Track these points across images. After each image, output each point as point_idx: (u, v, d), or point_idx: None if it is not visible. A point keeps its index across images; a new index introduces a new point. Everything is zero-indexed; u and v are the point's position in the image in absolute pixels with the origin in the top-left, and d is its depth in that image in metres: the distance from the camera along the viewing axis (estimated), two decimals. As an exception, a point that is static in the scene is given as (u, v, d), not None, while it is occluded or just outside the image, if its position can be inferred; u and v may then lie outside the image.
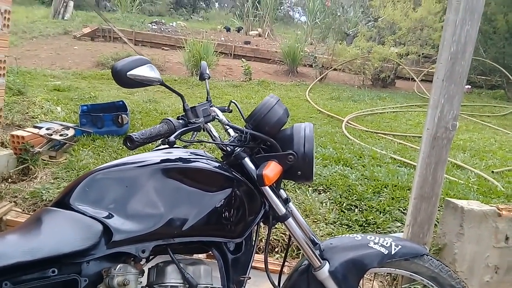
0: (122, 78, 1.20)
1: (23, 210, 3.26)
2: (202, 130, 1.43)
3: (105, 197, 1.26)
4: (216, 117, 1.52)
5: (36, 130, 4.06)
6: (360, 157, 4.67)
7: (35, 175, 3.72)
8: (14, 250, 1.08)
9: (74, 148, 4.17)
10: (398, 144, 5.38)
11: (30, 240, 1.13)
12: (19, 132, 3.96)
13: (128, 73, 1.20)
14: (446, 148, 2.57)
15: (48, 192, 3.42)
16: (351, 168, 4.29)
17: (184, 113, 1.41)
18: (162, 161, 1.36)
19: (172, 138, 1.27)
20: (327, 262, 1.57)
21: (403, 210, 3.42)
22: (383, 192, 3.74)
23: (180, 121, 1.39)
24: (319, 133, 5.54)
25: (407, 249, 1.62)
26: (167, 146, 1.54)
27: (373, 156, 4.72)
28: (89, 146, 4.26)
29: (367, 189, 3.76)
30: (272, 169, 1.43)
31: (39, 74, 8.13)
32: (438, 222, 3.06)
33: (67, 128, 4.27)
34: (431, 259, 1.65)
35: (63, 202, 1.25)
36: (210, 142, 1.53)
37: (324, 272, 1.55)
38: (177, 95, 1.37)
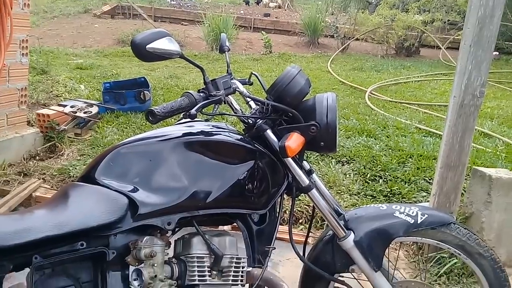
0: (141, 51, 1.19)
1: (52, 187, 3.35)
2: (223, 102, 1.42)
3: (129, 171, 1.27)
4: (237, 89, 1.50)
5: (60, 108, 4.13)
6: (384, 128, 4.60)
7: (61, 152, 3.80)
8: (42, 224, 1.10)
9: (98, 125, 4.23)
10: (423, 114, 5.27)
11: (58, 215, 1.16)
12: (45, 111, 4.04)
13: (147, 46, 1.19)
14: (474, 116, 2.50)
15: (75, 168, 3.49)
16: (375, 139, 4.24)
17: (204, 86, 1.40)
18: (184, 134, 1.36)
19: (193, 111, 1.26)
20: (352, 232, 1.56)
21: (429, 180, 3.37)
22: (408, 162, 3.69)
23: (201, 94, 1.38)
24: (341, 104, 5.47)
25: (434, 218, 1.60)
26: (189, 119, 1.54)
27: (398, 126, 4.65)
28: (113, 123, 4.31)
29: (391, 160, 3.71)
30: (294, 140, 1.41)
31: (62, 53, 8.22)
32: (465, 191, 3.01)
33: (91, 105, 4.32)
34: (458, 227, 1.62)
35: (88, 177, 1.27)
36: (231, 115, 1.52)
37: (349, 242, 1.54)
38: (197, 68, 1.36)
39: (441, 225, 1.60)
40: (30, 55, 4.15)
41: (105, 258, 1.19)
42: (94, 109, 4.26)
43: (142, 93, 4.56)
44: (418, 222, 1.57)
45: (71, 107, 4.19)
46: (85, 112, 4.14)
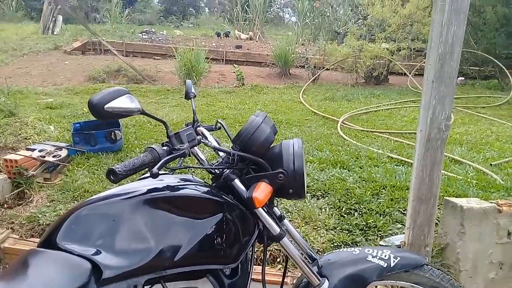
0: (100, 111, 1.17)
1: (21, 236, 3.22)
2: (187, 155, 1.40)
3: (92, 234, 1.23)
4: (202, 140, 1.48)
5: (29, 153, 4.03)
6: (357, 158, 4.64)
7: (30, 199, 3.68)
8: (1, 297, 1.05)
9: (68, 168, 4.14)
10: (394, 142, 5.35)
11: (18, 285, 1.10)
12: (12, 156, 3.93)
13: (105, 106, 1.17)
14: (441, 149, 2.54)
15: (45, 216, 3.39)
16: (349, 171, 4.27)
17: (168, 140, 1.39)
18: (149, 190, 1.33)
19: (155, 169, 1.24)
20: (326, 280, 1.54)
21: (403, 211, 3.39)
22: (381, 194, 3.71)
23: (165, 147, 1.36)
24: (314, 135, 5.52)
25: (406, 260, 1.60)
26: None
27: (370, 156, 4.70)
28: (84, 165, 4.22)
29: (365, 192, 3.73)
30: (262, 191, 1.40)
31: (31, 92, 8.09)
32: (439, 222, 3.03)
33: (60, 148, 4.23)
34: (432, 268, 1.62)
35: (49, 242, 1.22)
36: (197, 167, 1.50)
37: (323, 290, 1.52)
38: (159, 122, 1.34)
39: (414, 267, 1.59)
40: (-3, 98, 4.07)
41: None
42: (64, 152, 4.17)
43: (113, 132, 4.50)
44: (391, 265, 1.57)
45: (40, 151, 4.09)
46: (54, 156, 4.05)
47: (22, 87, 8.63)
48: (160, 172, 1.49)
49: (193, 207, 1.37)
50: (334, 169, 4.27)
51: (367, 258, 1.58)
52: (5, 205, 3.63)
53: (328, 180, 3.99)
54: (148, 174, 1.49)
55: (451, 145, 5.17)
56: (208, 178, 1.57)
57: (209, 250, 1.37)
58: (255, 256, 2.74)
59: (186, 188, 1.40)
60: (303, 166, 1.48)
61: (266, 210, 1.49)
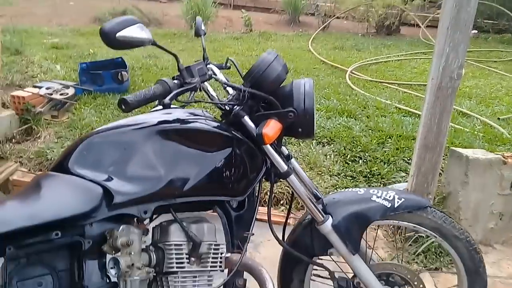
0: (111, 40, 1.15)
1: (29, 170, 3.29)
2: (199, 89, 1.40)
3: (103, 160, 1.24)
4: (213, 75, 1.47)
5: (36, 90, 4.03)
6: (365, 108, 4.63)
7: (38, 135, 3.73)
8: (15, 215, 1.08)
9: (75, 107, 4.15)
10: (403, 93, 5.30)
11: (31, 205, 1.13)
12: (19, 93, 3.94)
13: (117, 34, 1.15)
14: (451, 98, 2.52)
15: (53, 151, 3.44)
16: (355, 120, 4.26)
17: (179, 73, 1.37)
18: (160, 122, 1.33)
19: (167, 100, 1.24)
20: (330, 216, 1.58)
21: (408, 160, 3.41)
22: (387, 143, 3.72)
23: (175, 81, 1.35)
24: (322, 84, 5.47)
25: (410, 202, 1.62)
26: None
27: (378, 106, 4.67)
28: (91, 105, 4.23)
29: (371, 140, 3.75)
30: (272, 127, 1.40)
31: (36, 32, 7.98)
32: (442, 172, 3.06)
33: (67, 87, 4.23)
34: (434, 210, 1.65)
35: (62, 166, 1.24)
36: (207, 102, 1.50)
37: (327, 226, 1.56)
38: (171, 54, 1.32)
39: (418, 208, 1.62)
40: (3, 35, 4.02)
41: (81, 248, 1.18)
42: (71, 91, 4.17)
43: (120, 73, 4.48)
44: (395, 206, 1.59)
45: (47, 88, 4.09)
46: (61, 94, 4.06)
47: (27, 26, 8.49)
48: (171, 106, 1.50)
49: (203, 141, 1.38)
50: (341, 118, 4.27)
51: (371, 198, 1.61)
52: (13, 140, 3.68)
53: (334, 128, 3.99)
54: (158, 107, 1.49)
55: (460, 98, 5.12)
56: (218, 116, 1.58)
57: (217, 182, 1.39)
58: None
59: (196, 122, 1.41)
60: (313, 106, 1.48)
61: (274, 148, 1.50)
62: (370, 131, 3.95)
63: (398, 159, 3.47)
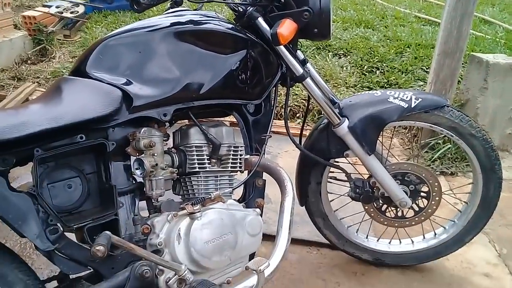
0: None
1: (47, 90, 3.33)
2: (211, -12, 1.36)
3: (120, 64, 1.24)
4: (226, -27, 1.42)
5: (46, 9, 3.97)
6: (383, 18, 4.48)
7: (53, 55, 3.73)
8: (39, 118, 1.10)
9: (87, 26, 4.10)
10: (423, 2, 5.09)
11: (54, 108, 1.16)
12: (30, 13, 3.89)
13: None
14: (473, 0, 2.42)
15: (69, 70, 3.44)
16: (373, 30, 4.14)
17: (191, -29, 1.33)
18: (173, 24, 1.31)
19: (179, -4, 1.21)
20: (346, 119, 1.58)
21: (426, 69, 3.35)
22: (405, 52, 3.64)
23: (188, -20, 1.31)
24: (338, -6, 5.26)
25: (427, 102, 1.61)
26: (177, 9, 1.49)
27: (397, 16, 4.52)
28: (102, 23, 4.17)
29: (389, 50, 3.66)
30: (287, 27, 1.37)
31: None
32: (461, 79, 3.01)
33: (77, 5, 4.15)
34: (452, 110, 1.64)
35: (79, 71, 1.25)
36: (220, 2, 1.46)
37: (343, 128, 1.57)
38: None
39: (435, 108, 1.62)
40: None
41: (106, 150, 1.22)
42: (81, 9, 4.10)
43: (130, -11, 4.35)
44: (412, 106, 1.59)
45: (57, 7, 4.03)
46: (71, 12, 4.00)
47: None
48: (183, 8, 1.47)
49: (217, 42, 1.36)
50: (358, 29, 4.16)
51: (388, 99, 1.60)
52: (29, 61, 3.70)
53: (351, 39, 3.90)
54: (171, 10, 1.47)
55: (482, 5, 4.91)
56: (231, 18, 1.54)
57: (233, 85, 1.39)
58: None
59: (210, 23, 1.38)
60: (330, 4, 1.43)
61: (289, 51, 1.47)
62: (388, 41, 3.85)
63: (416, 68, 3.41)
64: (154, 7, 1.30)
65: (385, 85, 3.28)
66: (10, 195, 1.10)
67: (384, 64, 3.49)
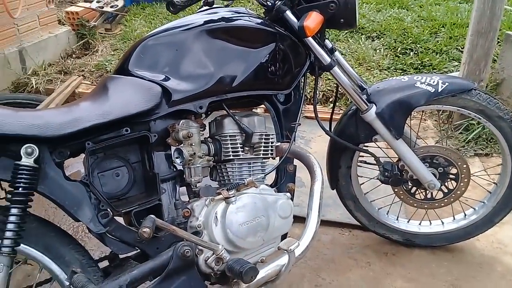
0: None
1: (92, 82, 3.52)
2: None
3: (159, 62, 1.36)
4: (254, -29, 1.50)
5: (87, 4, 4.15)
6: (418, -3, 4.40)
7: (95, 49, 3.91)
8: (89, 114, 1.24)
9: (126, 19, 4.26)
10: (461, -22, 4.94)
11: (101, 105, 1.28)
12: (73, 8, 4.08)
13: None
14: (508, -23, 2.38)
15: (111, 63, 3.63)
16: (407, 10, 4.10)
17: (221, -28, 1.42)
18: (206, 22, 1.41)
19: (210, -3, 1.31)
20: (373, 105, 1.63)
21: (461, 48, 3.30)
22: (440, 32, 3.60)
23: (218, -20, 1.40)
24: (372, -25, 5.18)
25: (454, 86, 1.64)
26: (209, 7, 1.58)
27: (432, -6, 4.43)
28: (140, 15, 4.32)
29: (423, 31, 3.63)
30: (313, 20, 1.44)
31: None
32: (497, 59, 2.97)
33: (116, -1, 4.32)
34: (479, 93, 1.66)
35: (123, 69, 1.37)
36: (250, -2, 1.54)
37: (371, 114, 1.63)
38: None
39: (462, 91, 1.65)
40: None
41: (149, 141, 1.34)
42: (120, 2, 4.26)
43: (164, -19, 4.47)
44: (439, 90, 1.62)
45: (97, 2, 4.20)
46: (111, 7, 4.16)
47: None
48: (214, 6, 1.57)
49: (248, 37, 1.45)
50: (392, 10, 4.12)
51: (415, 85, 1.64)
52: (73, 55, 3.89)
53: (384, 20, 3.88)
54: (204, 8, 1.56)
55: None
56: (261, 13, 1.62)
57: (263, 77, 1.48)
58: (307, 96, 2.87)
59: (240, 19, 1.47)
60: (355, -6, 1.48)
61: (317, 41, 1.54)
62: (422, 21, 3.81)
63: (451, 48, 3.37)
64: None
65: (419, 66, 3.27)
66: (66, 184, 1.24)
67: (418, 45, 3.46)
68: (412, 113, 1.71)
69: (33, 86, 3.40)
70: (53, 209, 2.01)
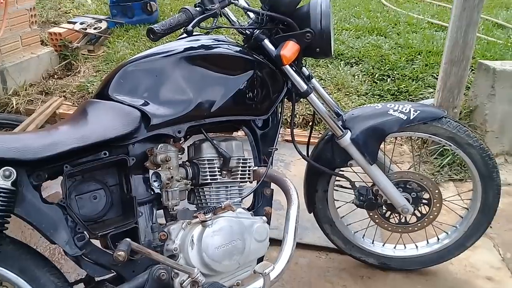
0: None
1: (73, 103, 3.52)
2: (219, 16, 1.49)
3: (138, 87, 1.39)
4: (232, 1, 1.55)
5: (71, 26, 4.17)
6: (395, 25, 4.54)
7: (78, 70, 3.92)
8: (67, 138, 1.25)
9: (109, 40, 4.29)
10: (437, 7, 5.14)
11: (80, 129, 1.30)
12: (56, 29, 4.10)
13: None
14: (478, 8, 2.49)
15: (93, 85, 3.64)
16: (385, 37, 4.22)
17: (200, 0, 1.46)
18: (186, 49, 1.45)
19: (189, 27, 1.35)
20: (348, 131, 1.69)
21: (436, 75, 3.40)
22: (416, 59, 3.71)
23: (197, 8, 1.44)
24: (353, 1, 5.34)
25: (425, 113, 1.71)
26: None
27: (409, 22, 4.58)
28: (124, 37, 4.35)
29: (400, 58, 3.74)
30: (289, 49, 1.49)
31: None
32: (470, 86, 3.07)
33: (100, 20, 4.35)
34: (449, 121, 1.73)
35: (103, 94, 1.40)
36: (228, 27, 1.59)
37: (346, 140, 1.68)
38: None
39: (433, 119, 1.71)
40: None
41: (127, 165, 1.36)
42: (104, 25, 4.29)
43: (148, 4, 4.53)
44: (411, 118, 1.69)
45: (81, 23, 4.23)
46: (95, 28, 4.19)
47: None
48: (195, 33, 1.61)
49: (227, 64, 1.49)
50: (371, 36, 4.23)
51: (388, 112, 1.70)
52: (55, 76, 3.89)
53: (363, 47, 3.98)
54: (184, 35, 1.60)
55: (496, 8, 4.92)
56: (240, 41, 1.67)
57: (242, 103, 1.52)
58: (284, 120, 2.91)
59: (220, 47, 1.51)
60: (330, 25, 1.54)
61: (294, 69, 1.59)
62: (399, 48, 3.92)
63: (426, 75, 3.48)
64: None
65: (395, 93, 3.35)
66: (43, 206, 1.25)
67: (395, 72, 3.56)
68: (386, 139, 1.76)
69: (13, 106, 3.39)
70: (29, 231, 1.99)
